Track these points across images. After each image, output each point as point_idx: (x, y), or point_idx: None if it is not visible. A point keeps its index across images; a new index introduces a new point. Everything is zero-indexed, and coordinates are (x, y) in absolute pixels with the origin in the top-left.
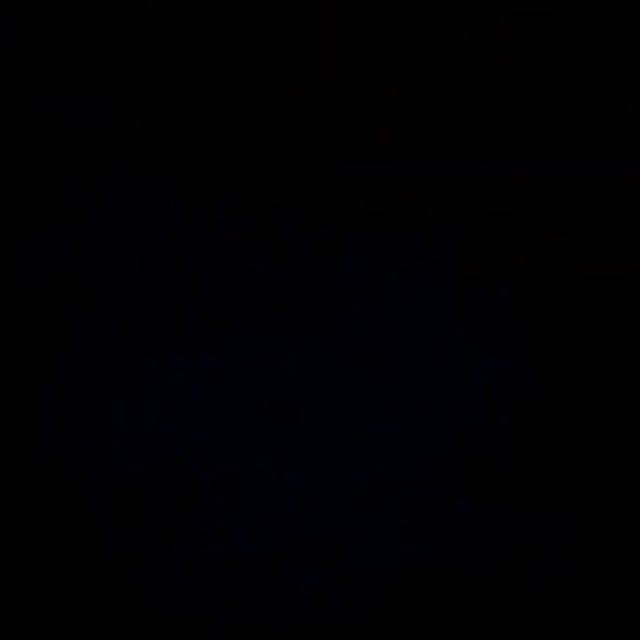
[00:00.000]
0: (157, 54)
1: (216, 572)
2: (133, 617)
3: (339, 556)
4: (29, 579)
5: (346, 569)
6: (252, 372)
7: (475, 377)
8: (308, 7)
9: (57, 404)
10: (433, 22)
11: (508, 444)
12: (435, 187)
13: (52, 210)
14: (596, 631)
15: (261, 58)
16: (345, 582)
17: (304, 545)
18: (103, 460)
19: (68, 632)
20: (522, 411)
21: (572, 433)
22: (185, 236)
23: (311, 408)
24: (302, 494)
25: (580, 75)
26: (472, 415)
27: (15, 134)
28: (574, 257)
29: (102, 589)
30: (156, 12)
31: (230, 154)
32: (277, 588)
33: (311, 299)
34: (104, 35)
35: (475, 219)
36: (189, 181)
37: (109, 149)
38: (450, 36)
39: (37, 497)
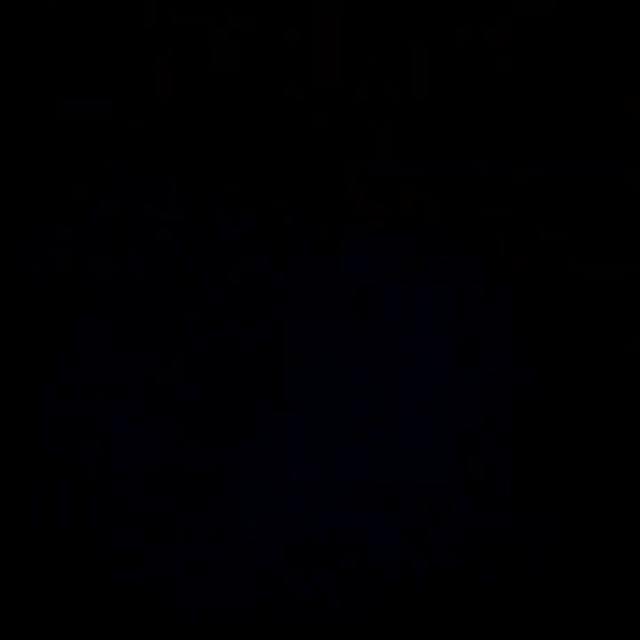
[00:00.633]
0: (157, 54)
1: (216, 572)
2: (133, 617)
3: (339, 556)
4: (29, 579)
5: (346, 569)
6: (252, 372)
7: (475, 377)
8: (308, 7)
9: (57, 403)
10: (433, 22)
11: (508, 444)
12: (435, 187)
13: (52, 210)
14: (596, 631)
15: (261, 58)
16: (345, 582)
17: (304, 545)
18: (103, 460)
19: (68, 632)
20: (522, 411)
21: (572, 433)
22: (185, 235)
23: (311, 408)
24: (302, 494)
25: (580, 75)
26: (472, 415)
27: (15, 134)
28: (574, 257)
29: (102, 589)
30: (156, 11)
31: (230, 154)
32: (277, 588)
33: (311, 299)
34: (104, 35)
35: (475, 219)
36: (189, 181)
37: (109, 149)
38: (450, 35)
39: (37, 497)
